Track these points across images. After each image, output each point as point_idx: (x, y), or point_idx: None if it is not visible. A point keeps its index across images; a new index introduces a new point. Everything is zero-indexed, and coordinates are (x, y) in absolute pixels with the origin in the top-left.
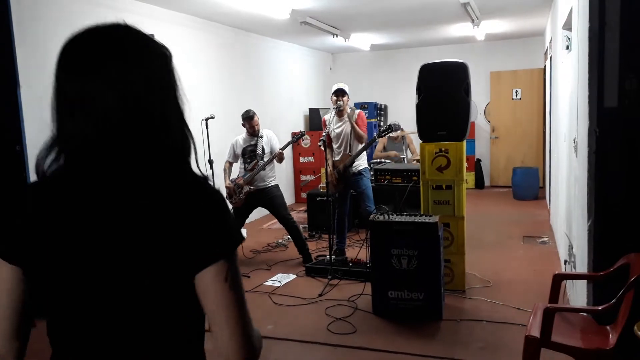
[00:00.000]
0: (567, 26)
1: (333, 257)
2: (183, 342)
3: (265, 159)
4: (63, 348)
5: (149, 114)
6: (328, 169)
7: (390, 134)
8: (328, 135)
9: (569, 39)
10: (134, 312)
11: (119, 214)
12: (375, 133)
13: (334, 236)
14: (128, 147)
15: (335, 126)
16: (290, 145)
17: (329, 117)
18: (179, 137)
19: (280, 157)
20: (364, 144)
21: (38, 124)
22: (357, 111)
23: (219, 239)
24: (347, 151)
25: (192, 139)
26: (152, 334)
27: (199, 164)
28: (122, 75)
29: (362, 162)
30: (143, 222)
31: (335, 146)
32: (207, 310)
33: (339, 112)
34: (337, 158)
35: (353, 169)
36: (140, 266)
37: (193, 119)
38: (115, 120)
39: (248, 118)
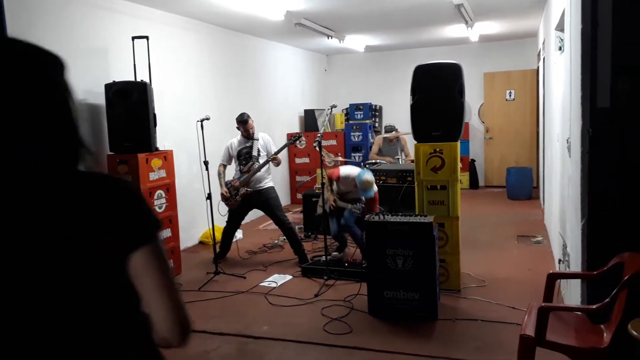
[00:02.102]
0: (560, 27)
1: (335, 253)
2: (123, 330)
3: (261, 161)
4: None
5: (27, 120)
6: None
7: (385, 136)
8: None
9: (562, 39)
10: (68, 308)
11: (31, 211)
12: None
13: (331, 238)
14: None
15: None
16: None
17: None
18: (66, 142)
19: (277, 162)
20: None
21: None
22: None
23: (139, 226)
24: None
25: (85, 146)
26: (87, 327)
27: (204, 164)
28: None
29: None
30: (62, 217)
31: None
32: (142, 295)
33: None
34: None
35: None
36: (66, 260)
37: (188, 120)
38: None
39: (242, 122)
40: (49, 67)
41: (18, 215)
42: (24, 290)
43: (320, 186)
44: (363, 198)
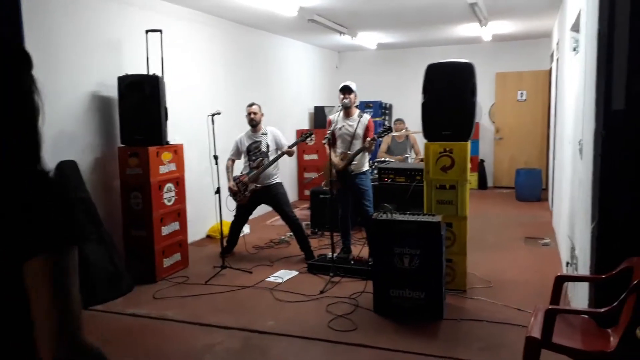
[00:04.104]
0: (575, 28)
1: (342, 254)
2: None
3: (270, 156)
4: None
5: None
6: (331, 167)
7: (394, 134)
8: (333, 133)
9: (577, 40)
10: None
11: None
12: (375, 134)
13: (339, 234)
14: None
15: (340, 125)
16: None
17: (334, 117)
18: (21, 138)
19: (290, 153)
20: (366, 148)
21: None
22: (367, 117)
23: (48, 232)
24: (348, 151)
25: (38, 143)
26: None
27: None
28: None
29: (364, 163)
30: None
31: (337, 144)
32: (32, 306)
33: (346, 111)
34: (338, 156)
35: (353, 169)
36: None
37: (199, 114)
38: None
39: (247, 106)
40: (11, 63)
41: None
42: None
43: (327, 182)
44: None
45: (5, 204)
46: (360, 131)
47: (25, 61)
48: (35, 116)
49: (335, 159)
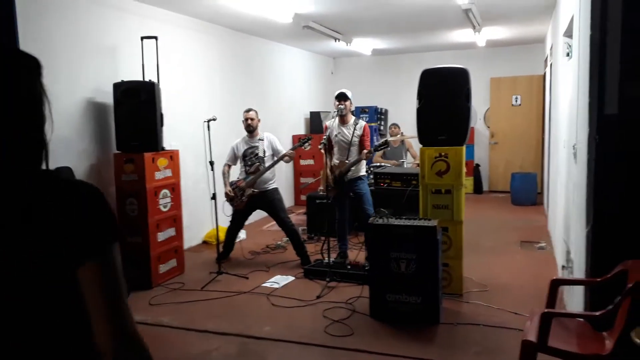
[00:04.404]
0: (568, 33)
1: (338, 259)
2: (71, 345)
3: (266, 161)
4: None
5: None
6: (328, 173)
7: (390, 139)
8: (329, 139)
9: (570, 45)
10: (16, 313)
11: None
12: (372, 147)
13: (336, 239)
14: None
15: (336, 132)
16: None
17: (330, 122)
18: (29, 143)
19: (290, 156)
20: (363, 155)
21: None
22: (363, 123)
23: (96, 235)
24: (346, 158)
25: (46, 148)
26: (25, 333)
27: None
28: None
29: (361, 169)
30: (19, 220)
31: (335, 151)
32: (87, 305)
33: (342, 119)
34: (336, 162)
35: (351, 175)
36: (18, 265)
37: (195, 120)
38: None
39: (244, 112)
40: (23, 69)
41: None
42: None
43: (324, 188)
44: (364, 150)
45: (51, 212)
46: (356, 138)
47: (37, 67)
48: (44, 123)
49: (332, 165)
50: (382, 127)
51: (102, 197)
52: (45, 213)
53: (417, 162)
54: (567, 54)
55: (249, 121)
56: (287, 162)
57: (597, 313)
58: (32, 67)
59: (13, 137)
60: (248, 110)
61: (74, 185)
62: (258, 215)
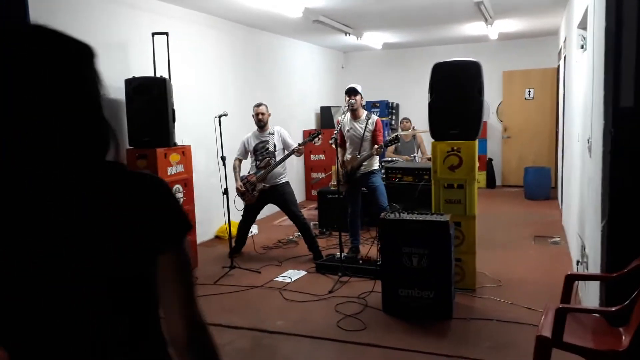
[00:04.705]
0: (583, 25)
1: (350, 254)
2: (142, 331)
3: (277, 156)
4: (23, 350)
5: (57, 108)
6: (339, 168)
7: (401, 133)
8: (341, 133)
9: (584, 38)
10: (95, 305)
11: (68, 208)
12: (383, 142)
13: (348, 234)
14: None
15: (348, 127)
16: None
17: (342, 118)
18: (94, 131)
19: (300, 152)
20: (373, 151)
21: None
22: (375, 118)
23: (168, 227)
24: (358, 153)
25: (113, 135)
26: (104, 319)
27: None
28: (30, 71)
29: (374, 163)
30: (96, 214)
31: (347, 146)
32: (160, 295)
33: (353, 113)
34: (348, 157)
35: (363, 169)
36: (95, 258)
37: (206, 116)
38: (27, 113)
39: (255, 106)
40: (76, 57)
41: (51, 207)
42: (46, 282)
43: (335, 183)
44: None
45: (129, 203)
46: (368, 133)
47: (92, 53)
48: (102, 109)
49: (344, 160)
50: (393, 122)
51: (170, 188)
52: (123, 204)
53: (428, 157)
54: (582, 46)
55: (260, 116)
56: (297, 156)
57: (613, 308)
58: (86, 54)
59: (75, 128)
60: (258, 105)
61: (144, 177)
62: (270, 210)
